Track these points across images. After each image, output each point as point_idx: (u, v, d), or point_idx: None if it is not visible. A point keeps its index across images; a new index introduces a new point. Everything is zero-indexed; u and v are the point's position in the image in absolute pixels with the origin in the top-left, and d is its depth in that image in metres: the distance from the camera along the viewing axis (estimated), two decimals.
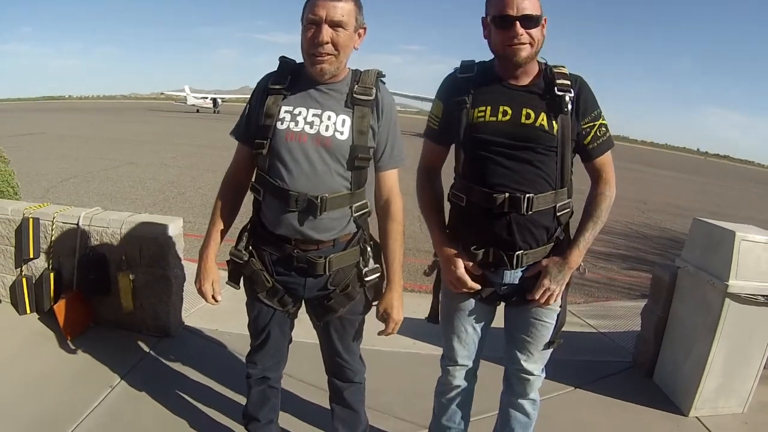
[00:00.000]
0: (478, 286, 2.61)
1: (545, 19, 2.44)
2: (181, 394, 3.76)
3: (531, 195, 2.42)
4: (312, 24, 2.34)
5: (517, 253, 2.51)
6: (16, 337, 4.24)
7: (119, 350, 4.17)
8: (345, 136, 2.46)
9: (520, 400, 2.88)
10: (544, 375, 2.86)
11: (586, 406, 4.09)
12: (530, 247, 2.53)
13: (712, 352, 3.90)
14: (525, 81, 2.51)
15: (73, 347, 4.14)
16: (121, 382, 3.80)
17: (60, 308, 4.15)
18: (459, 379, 2.93)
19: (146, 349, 4.28)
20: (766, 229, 4.09)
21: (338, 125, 2.47)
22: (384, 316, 2.68)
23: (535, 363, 2.77)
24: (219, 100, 73.68)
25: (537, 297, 2.56)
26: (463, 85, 2.56)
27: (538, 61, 2.53)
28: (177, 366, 4.10)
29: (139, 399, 3.66)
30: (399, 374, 4.25)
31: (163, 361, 4.16)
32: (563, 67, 2.51)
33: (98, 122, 41.09)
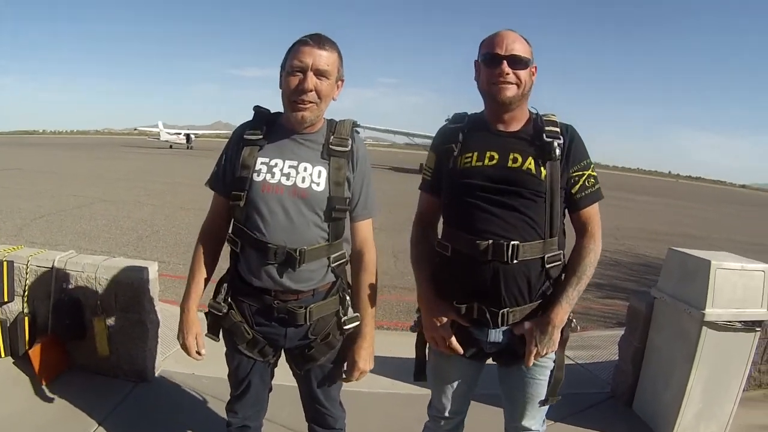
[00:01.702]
0: (459, 349, 2.58)
1: (535, 67, 2.48)
2: None
3: (517, 243, 2.37)
4: (298, 71, 2.36)
5: (501, 311, 2.44)
6: None
7: (96, 395, 4.11)
8: (321, 188, 2.48)
9: None
10: (544, 428, 2.83)
11: None
12: (516, 303, 2.45)
13: (691, 380, 3.95)
14: (514, 127, 2.52)
15: (48, 392, 4.08)
16: (98, 427, 3.75)
17: (35, 352, 4.09)
18: (446, 428, 2.92)
19: (123, 394, 4.22)
20: (740, 250, 4.15)
21: (314, 177, 2.48)
22: (351, 364, 2.69)
23: (533, 419, 2.72)
24: (192, 136, 74.08)
25: (528, 364, 2.52)
26: (453, 134, 2.59)
27: (529, 110, 2.56)
28: (155, 412, 4.05)
29: None
30: (378, 415, 4.22)
31: (141, 406, 4.10)
32: (553, 115, 2.53)
33: (72, 158, 41.03)
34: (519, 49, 2.39)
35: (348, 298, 2.70)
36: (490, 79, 2.42)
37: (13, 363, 4.37)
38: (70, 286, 4.29)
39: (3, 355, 4.37)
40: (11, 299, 4.32)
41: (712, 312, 3.82)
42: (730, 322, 3.90)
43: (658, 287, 4.33)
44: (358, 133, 2.66)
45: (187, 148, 69.70)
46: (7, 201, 15.23)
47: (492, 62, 2.40)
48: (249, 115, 2.63)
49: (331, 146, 2.50)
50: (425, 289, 2.66)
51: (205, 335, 2.70)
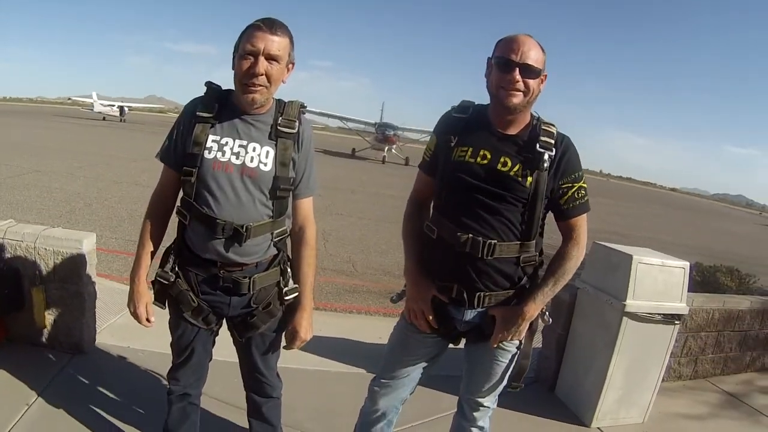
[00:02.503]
0: (434, 325, 2.72)
1: (545, 75, 2.57)
2: (99, 411, 3.75)
3: (494, 242, 2.51)
4: (249, 54, 2.44)
5: (478, 293, 2.59)
6: None
7: (34, 367, 4.12)
8: (268, 168, 2.60)
9: (470, 427, 2.96)
10: (495, 405, 2.97)
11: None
12: (491, 289, 2.60)
13: (611, 367, 4.16)
14: (512, 131, 2.61)
15: None
16: (38, 398, 3.76)
17: None
18: (387, 403, 3.02)
19: (60, 365, 4.23)
20: (663, 249, 4.35)
21: (262, 157, 2.59)
22: (292, 333, 2.82)
23: (486, 396, 2.87)
24: (126, 109, 72.23)
25: (494, 345, 2.67)
26: (455, 124, 2.70)
27: (531, 114, 2.65)
28: (93, 383, 4.07)
29: (57, 416, 3.63)
30: (309, 391, 4.31)
31: (79, 377, 4.12)
32: (553, 125, 2.61)
33: (3, 126, 39.76)
34: (533, 58, 2.46)
35: (289, 270, 2.84)
36: (500, 83, 2.50)
37: None
38: (9, 256, 4.27)
39: None
40: None
41: (632, 303, 4.04)
42: (650, 314, 4.11)
43: (582, 278, 4.54)
44: (304, 114, 2.77)
45: (120, 120, 68.13)
46: None
47: (505, 67, 2.48)
48: (182, 91, 2.84)
49: (279, 127, 2.61)
50: (412, 264, 2.81)
51: (153, 303, 2.78)
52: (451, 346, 2.90)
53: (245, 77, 2.48)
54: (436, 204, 2.75)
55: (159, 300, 2.79)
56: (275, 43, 2.46)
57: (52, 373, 4.11)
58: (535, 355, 5.19)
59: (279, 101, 2.71)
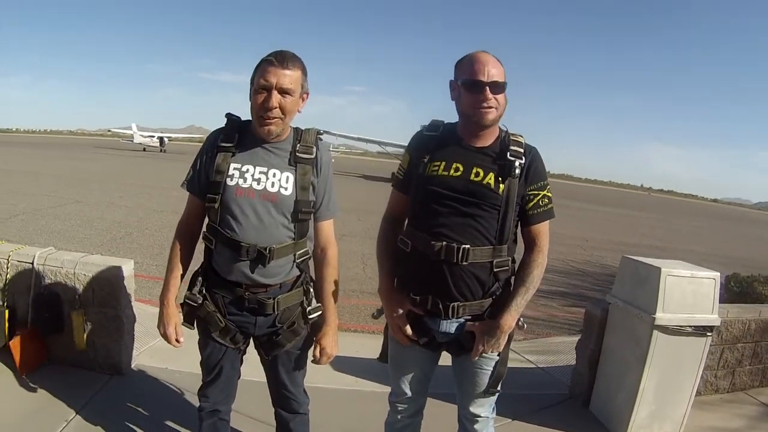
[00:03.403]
0: (411, 335, 2.79)
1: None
2: (135, 428, 3.85)
3: (467, 247, 2.58)
4: (263, 89, 2.58)
5: (452, 304, 2.66)
6: None
7: (73, 387, 4.23)
8: (289, 192, 2.71)
9: None
10: (493, 415, 3.01)
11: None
12: (466, 299, 2.67)
13: (643, 381, 4.13)
14: (483, 143, 2.71)
15: (28, 383, 4.20)
16: (76, 416, 3.87)
17: (15, 345, 4.20)
18: (406, 415, 3.11)
19: (99, 386, 4.34)
20: (701, 261, 4.33)
21: (283, 182, 2.71)
22: (320, 350, 2.88)
23: (481, 407, 2.92)
24: (165, 139, 73.43)
25: (474, 358, 2.72)
26: (427, 142, 2.79)
27: (499, 127, 2.75)
28: (130, 402, 4.18)
29: None
30: (341, 410, 4.36)
31: (116, 398, 4.23)
32: (521, 136, 2.73)
33: (46, 158, 40.60)
34: (497, 74, 2.58)
35: (311, 290, 2.93)
36: (473, 104, 2.60)
37: None
38: (49, 281, 4.42)
39: None
40: None
41: (662, 316, 4.01)
42: (680, 326, 4.07)
43: (613, 293, 4.53)
44: (321, 140, 2.88)
45: (161, 151, 69.21)
46: None
47: (475, 88, 2.58)
48: (222, 120, 2.84)
49: (297, 154, 2.73)
50: (385, 281, 2.89)
51: (182, 324, 2.88)
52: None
53: (260, 110, 2.61)
54: (410, 218, 2.82)
55: (188, 321, 2.90)
56: (287, 77, 2.58)
57: (91, 393, 4.22)
58: (568, 372, 5.18)
59: (296, 129, 2.83)
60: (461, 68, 2.66)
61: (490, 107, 2.59)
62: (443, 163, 2.69)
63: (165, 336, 2.85)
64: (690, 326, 4.11)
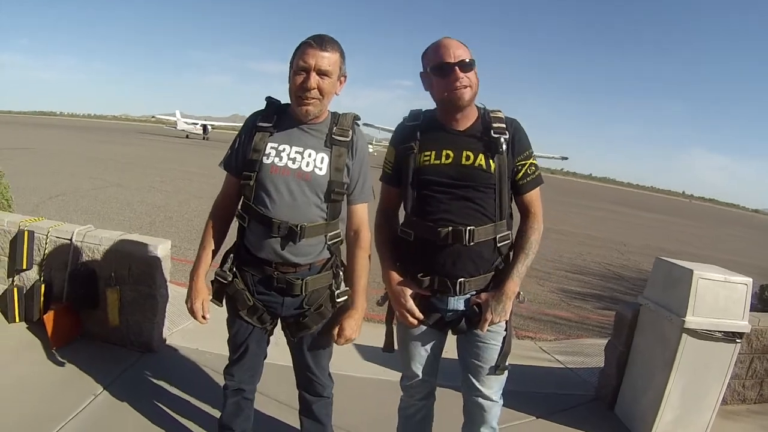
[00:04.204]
0: (420, 316, 2.83)
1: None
2: (161, 405, 3.92)
3: (472, 228, 2.67)
4: (302, 70, 2.64)
5: (459, 280, 2.74)
6: (3, 344, 4.41)
7: (104, 362, 4.33)
8: (323, 172, 2.75)
9: (481, 429, 3.00)
10: (501, 402, 2.99)
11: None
12: (471, 275, 2.75)
13: (669, 385, 4.09)
14: (465, 125, 2.78)
15: (59, 356, 4.30)
16: (104, 391, 3.96)
17: (49, 319, 4.32)
18: (418, 396, 3.15)
19: (130, 362, 4.44)
20: (738, 270, 4.27)
21: (317, 162, 2.75)
22: (339, 331, 2.87)
23: (490, 388, 2.91)
24: (209, 127, 74.00)
25: (483, 330, 2.77)
26: (411, 132, 2.84)
27: (476, 106, 2.81)
28: (158, 380, 4.26)
29: (120, 408, 3.82)
30: (366, 398, 4.41)
31: (146, 374, 4.32)
32: (499, 111, 2.81)
33: (89, 141, 41.28)
34: (463, 54, 2.65)
35: (341, 274, 2.96)
36: (447, 87, 2.66)
37: (27, 328, 4.63)
38: (86, 258, 4.54)
39: (17, 320, 4.63)
40: (29, 267, 4.58)
41: (692, 320, 3.97)
42: (710, 331, 4.03)
43: (645, 295, 4.49)
44: (359, 125, 2.92)
45: (204, 138, 69.76)
46: (24, 178, 15.41)
47: (445, 71, 2.65)
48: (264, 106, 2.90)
49: (333, 136, 2.77)
50: (388, 267, 2.94)
51: (210, 300, 2.94)
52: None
53: (299, 91, 2.66)
54: (409, 209, 2.87)
55: (217, 298, 2.96)
56: (325, 59, 2.64)
57: (121, 368, 4.32)
58: (596, 374, 5.15)
59: (334, 113, 2.88)
60: (427, 57, 2.75)
61: (464, 86, 2.65)
62: (433, 152, 2.75)
63: (191, 311, 2.92)
64: (720, 331, 4.06)
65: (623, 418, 4.57)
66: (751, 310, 4.27)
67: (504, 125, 2.73)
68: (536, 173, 2.82)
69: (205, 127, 74.09)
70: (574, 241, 18.14)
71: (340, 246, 2.98)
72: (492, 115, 2.77)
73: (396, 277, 2.90)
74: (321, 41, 2.65)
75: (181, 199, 15.96)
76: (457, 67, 2.62)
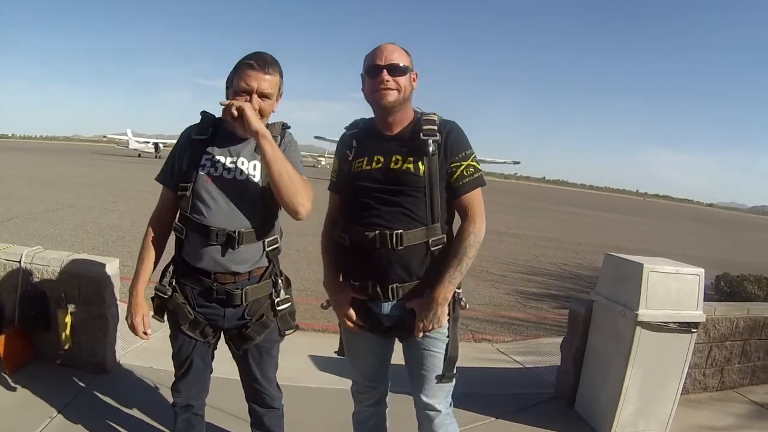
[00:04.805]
0: (357, 321, 2.86)
1: (416, 73, 2.78)
2: (117, 426, 3.87)
3: (400, 231, 2.65)
4: (244, 92, 2.65)
5: (390, 285, 2.72)
6: None
7: (58, 384, 4.26)
8: (257, 179, 2.77)
9: None
10: (449, 410, 2.97)
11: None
12: (403, 280, 2.72)
13: (627, 378, 4.14)
14: (397, 130, 2.79)
15: (12, 381, 4.22)
16: (58, 415, 3.88)
17: (0, 343, 4.24)
18: (367, 403, 3.16)
19: (83, 384, 4.36)
20: (694, 264, 4.31)
21: (250, 170, 2.78)
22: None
23: (434, 397, 2.87)
24: (161, 145, 73.80)
25: (417, 336, 2.74)
26: (350, 141, 2.89)
27: (414, 111, 2.83)
28: (113, 400, 4.20)
29: (75, 430, 3.76)
30: (321, 408, 4.40)
31: (100, 395, 4.25)
32: (434, 114, 2.79)
33: (41, 163, 40.79)
34: (397, 58, 2.68)
35: (280, 282, 2.97)
36: (373, 87, 2.69)
37: None
38: (36, 280, 4.46)
39: None
40: None
41: (645, 313, 4.02)
42: (664, 323, 4.08)
43: (596, 291, 4.55)
44: (288, 131, 2.96)
45: (156, 157, 69.53)
46: None
47: (373, 72, 2.69)
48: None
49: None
50: (327, 273, 2.98)
51: (152, 316, 2.92)
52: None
53: (224, 113, 2.67)
54: (344, 214, 2.90)
55: (158, 314, 2.95)
56: (267, 82, 2.68)
57: (75, 391, 4.25)
58: (554, 371, 5.19)
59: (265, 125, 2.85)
60: (365, 59, 2.76)
61: (388, 88, 2.66)
62: (365, 158, 2.79)
63: (131, 326, 2.90)
64: (674, 322, 4.11)
65: (583, 414, 4.61)
66: (707, 301, 4.32)
67: (435, 128, 2.71)
68: (474, 175, 2.76)
69: (156, 145, 73.84)
70: (528, 244, 18.36)
71: (278, 255, 2.99)
72: (425, 118, 2.76)
73: (334, 281, 2.93)
74: (263, 63, 2.66)
75: (133, 218, 15.72)
76: (385, 70, 2.65)
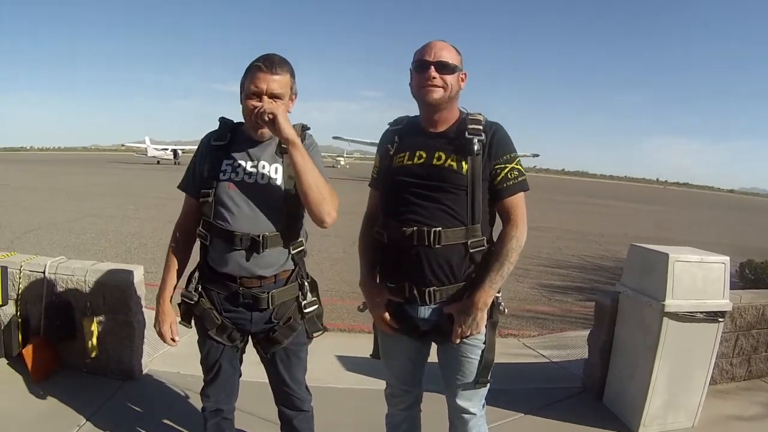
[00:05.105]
0: (393, 324, 2.82)
1: (464, 73, 2.74)
2: None
3: (439, 229, 2.59)
4: (254, 95, 2.65)
5: (428, 289, 2.66)
6: None
7: (85, 393, 4.28)
8: (279, 182, 2.76)
9: None
10: (483, 412, 2.95)
11: (536, 431, 4.24)
12: (441, 283, 2.66)
13: (654, 370, 4.10)
14: (442, 128, 2.75)
15: (40, 390, 4.24)
16: (87, 422, 3.90)
17: (28, 353, 4.27)
18: (401, 406, 3.12)
19: (111, 391, 4.38)
20: (717, 252, 4.27)
21: (272, 173, 2.77)
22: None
23: (469, 400, 2.85)
24: (179, 151, 74.18)
25: (455, 342, 2.69)
26: (391, 136, 2.87)
27: (460, 111, 2.79)
28: (141, 407, 4.21)
29: None
30: (350, 409, 4.37)
31: (128, 402, 4.27)
32: (479, 114, 2.75)
33: (61, 174, 41.14)
34: (446, 56, 2.64)
35: (306, 284, 2.95)
36: (419, 83, 2.66)
37: (7, 364, 4.55)
38: (60, 289, 4.49)
39: None
40: (5, 303, 4.50)
41: (672, 303, 3.97)
42: (691, 312, 4.04)
43: (622, 282, 4.50)
44: (308, 132, 2.92)
45: (175, 163, 69.80)
46: None
47: (421, 68, 2.66)
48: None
49: (283, 146, 2.71)
50: (363, 273, 2.94)
51: (179, 323, 2.94)
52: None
53: (253, 115, 2.65)
54: (383, 210, 2.86)
55: (185, 320, 2.95)
56: (276, 83, 2.65)
57: (103, 399, 4.26)
58: (580, 365, 5.15)
59: None
60: (414, 55, 2.73)
61: (435, 85, 2.63)
62: (407, 153, 2.75)
63: (160, 334, 2.92)
64: (701, 312, 4.07)
65: (612, 407, 4.58)
66: (731, 288, 4.28)
67: (481, 128, 2.67)
68: (519, 178, 2.70)
69: (175, 152, 74.30)
70: (552, 237, 18.26)
71: (304, 257, 2.97)
72: (471, 117, 2.72)
73: (370, 282, 2.89)
74: (271, 64, 2.65)
75: (155, 225, 15.84)
76: (433, 66, 2.62)
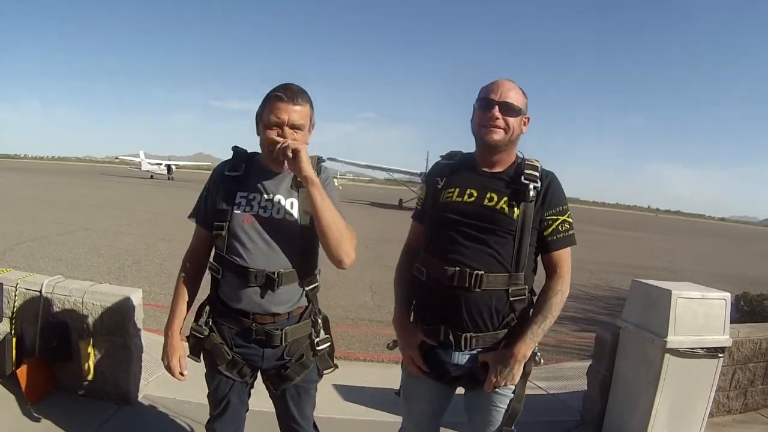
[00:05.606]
0: (423, 367, 2.74)
1: (528, 118, 2.68)
2: None
3: (481, 272, 2.51)
4: (275, 126, 2.60)
5: (465, 334, 2.58)
6: None
7: (80, 416, 4.22)
8: (294, 217, 2.71)
9: None
10: None
11: None
12: (479, 329, 2.59)
13: (656, 404, 4.10)
14: (498, 169, 2.69)
15: (34, 412, 4.18)
16: None
17: (22, 373, 4.22)
18: None
19: (107, 416, 4.32)
20: (711, 282, 4.30)
21: (287, 207, 2.72)
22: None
23: None
24: (173, 167, 74.29)
25: (488, 390, 2.62)
26: (442, 169, 2.80)
27: (516, 155, 2.72)
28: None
29: None
30: None
31: (123, 428, 4.21)
32: (536, 161, 2.70)
33: (54, 184, 41.04)
34: (512, 97, 2.58)
35: (320, 321, 2.91)
36: (481, 122, 2.61)
37: (0, 383, 4.48)
38: (57, 310, 4.43)
39: None
40: (0, 320, 4.44)
41: (674, 339, 3.99)
42: (692, 348, 4.05)
43: (623, 317, 4.50)
44: (323, 165, 2.88)
45: (168, 178, 69.89)
46: None
47: (485, 106, 2.60)
48: (229, 148, 2.91)
49: (299, 179, 2.67)
50: (398, 311, 2.86)
51: (187, 356, 2.88)
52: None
53: (273, 147, 2.61)
54: (426, 246, 2.77)
55: (194, 353, 2.88)
56: (297, 113, 2.61)
57: (98, 423, 4.20)
58: (580, 398, 5.14)
59: None
60: (480, 91, 2.68)
61: (497, 126, 2.57)
62: (457, 189, 2.67)
63: (168, 368, 2.85)
64: (702, 348, 4.09)
65: None
66: (730, 322, 4.30)
67: (537, 174, 2.63)
68: (569, 232, 2.68)
69: (169, 167, 74.59)
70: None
71: (317, 293, 2.92)
72: (528, 163, 2.67)
73: (404, 321, 2.84)
74: (292, 95, 2.61)
75: (148, 242, 15.78)
76: (497, 106, 2.57)
